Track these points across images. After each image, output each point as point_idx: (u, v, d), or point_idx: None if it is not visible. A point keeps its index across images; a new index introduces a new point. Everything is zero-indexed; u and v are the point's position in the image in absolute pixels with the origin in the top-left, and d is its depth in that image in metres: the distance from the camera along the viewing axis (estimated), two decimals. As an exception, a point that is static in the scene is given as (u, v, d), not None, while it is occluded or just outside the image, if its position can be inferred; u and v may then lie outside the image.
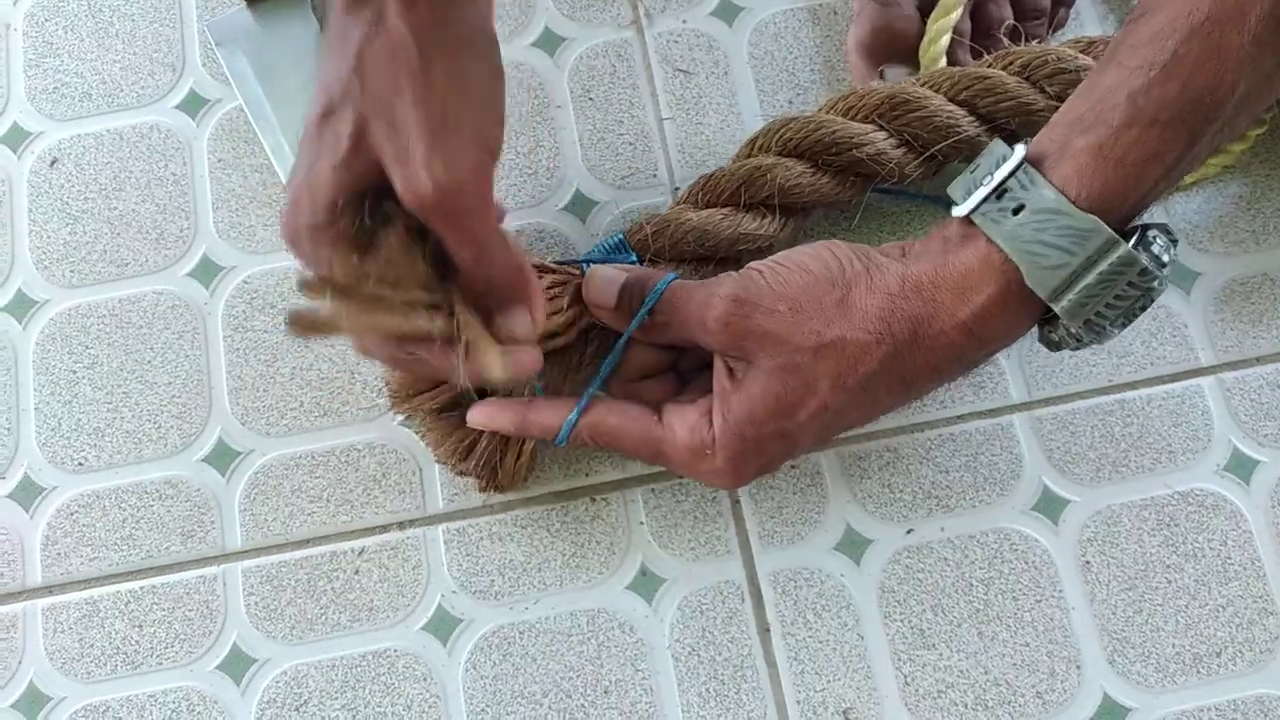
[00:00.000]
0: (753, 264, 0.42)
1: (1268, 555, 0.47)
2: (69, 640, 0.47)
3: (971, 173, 0.39)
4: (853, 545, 0.48)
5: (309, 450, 0.50)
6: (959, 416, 0.49)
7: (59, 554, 0.48)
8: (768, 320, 0.40)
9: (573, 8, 0.57)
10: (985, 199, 0.37)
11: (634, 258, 0.47)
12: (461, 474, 0.47)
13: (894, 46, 0.53)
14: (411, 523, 0.48)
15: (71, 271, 0.53)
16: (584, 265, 0.46)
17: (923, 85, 0.48)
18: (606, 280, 0.44)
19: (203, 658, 0.47)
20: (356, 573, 0.48)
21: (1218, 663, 0.46)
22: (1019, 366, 0.50)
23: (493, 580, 0.47)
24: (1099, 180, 0.36)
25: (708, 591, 0.47)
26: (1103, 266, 0.36)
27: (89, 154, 0.55)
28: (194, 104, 0.56)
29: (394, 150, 0.35)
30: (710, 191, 0.48)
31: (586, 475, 0.49)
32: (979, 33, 0.53)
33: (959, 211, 0.38)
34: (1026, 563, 0.47)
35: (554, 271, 0.45)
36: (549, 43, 0.56)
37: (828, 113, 0.48)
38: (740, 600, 0.47)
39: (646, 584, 0.47)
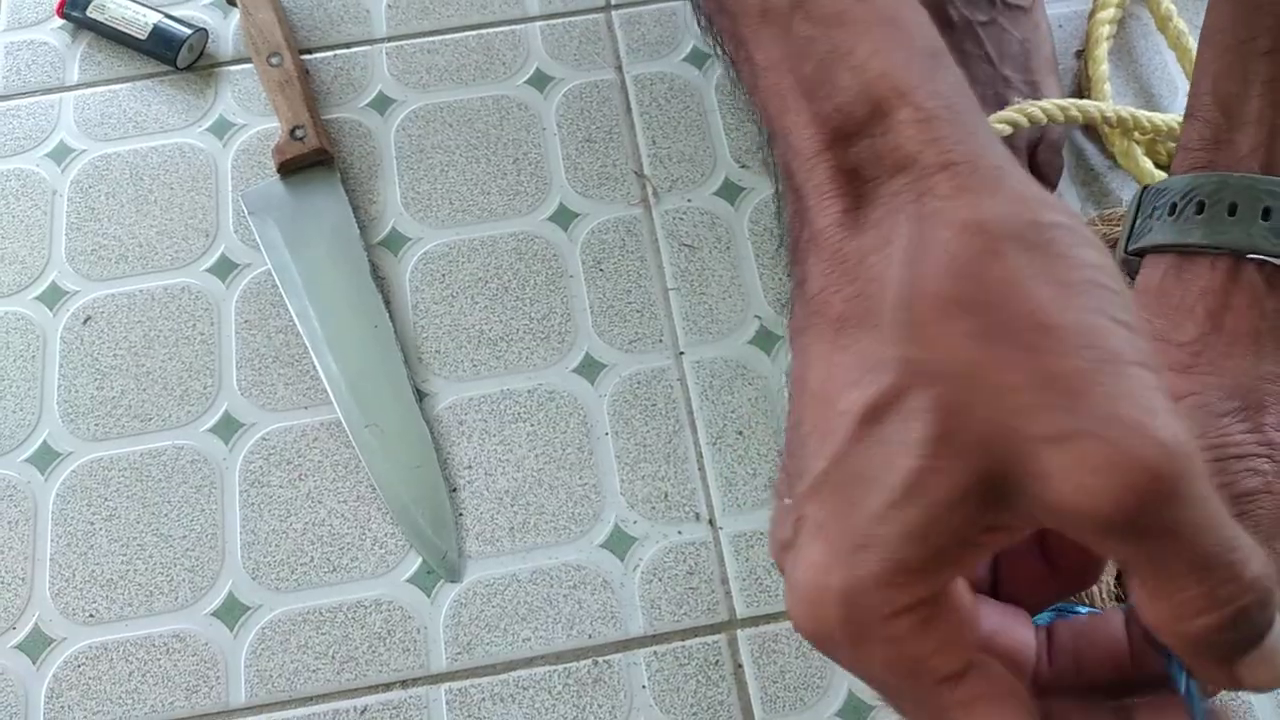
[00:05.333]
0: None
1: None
2: (65, 798, 0.47)
3: (1260, 221, 0.32)
4: (856, 712, 0.48)
5: (316, 606, 0.50)
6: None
7: (62, 707, 0.49)
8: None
9: (585, 186, 0.60)
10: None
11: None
12: None
13: None
14: (414, 681, 0.49)
15: (96, 425, 0.55)
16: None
17: None
18: None
19: (199, 819, 0.46)
20: (358, 732, 0.48)
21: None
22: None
23: (494, 742, 0.48)
24: None
25: (709, 757, 0.47)
26: None
27: (121, 313, 0.58)
28: (224, 268, 0.59)
29: (1040, 419, 0.20)
30: None
31: (589, 636, 0.49)
32: None
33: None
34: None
35: None
36: (564, 218, 0.60)
37: None
38: (741, 767, 0.47)
39: (648, 748, 0.47)
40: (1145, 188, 0.35)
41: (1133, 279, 0.36)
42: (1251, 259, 0.32)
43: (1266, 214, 0.32)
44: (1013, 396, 0.19)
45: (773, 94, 0.23)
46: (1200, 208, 0.33)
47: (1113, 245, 0.38)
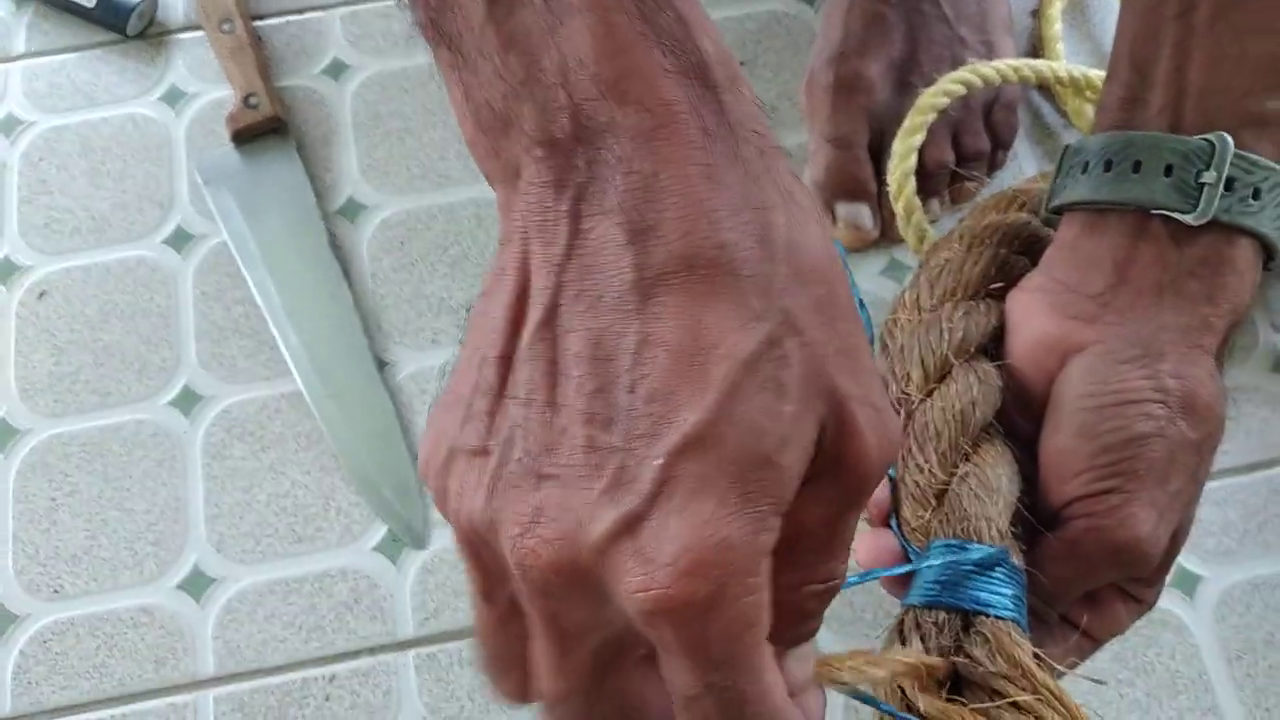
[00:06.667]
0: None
1: (1214, 668, 0.49)
2: (35, 772, 0.47)
3: (1162, 178, 0.33)
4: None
5: (283, 577, 0.51)
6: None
7: (29, 683, 0.49)
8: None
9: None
10: (1220, 195, 0.32)
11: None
12: None
13: (846, 186, 0.57)
14: (383, 648, 0.49)
15: (55, 401, 0.54)
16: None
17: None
18: None
19: (170, 788, 0.47)
20: (327, 699, 0.48)
21: (1171, 779, 0.47)
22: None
23: (463, 706, 0.48)
24: None
25: None
26: None
27: (77, 287, 0.57)
28: (181, 239, 0.58)
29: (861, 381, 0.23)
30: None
31: (555, 598, 0.50)
32: (920, 174, 0.57)
33: (1199, 218, 0.32)
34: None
35: None
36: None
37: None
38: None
39: (614, 707, 0.48)
40: (1066, 147, 0.36)
41: None
42: (1156, 214, 0.33)
43: (1169, 170, 0.33)
44: (843, 358, 0.22)
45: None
46: (1108, 165, 0.34)
47: None
